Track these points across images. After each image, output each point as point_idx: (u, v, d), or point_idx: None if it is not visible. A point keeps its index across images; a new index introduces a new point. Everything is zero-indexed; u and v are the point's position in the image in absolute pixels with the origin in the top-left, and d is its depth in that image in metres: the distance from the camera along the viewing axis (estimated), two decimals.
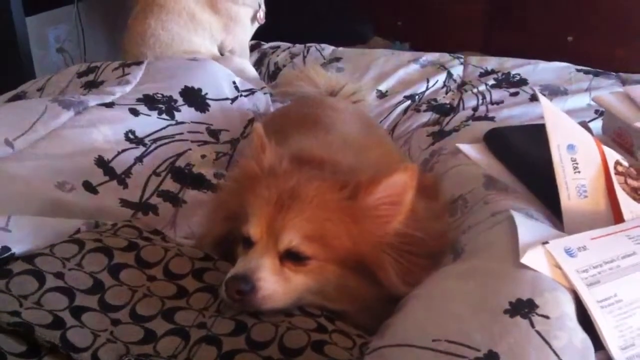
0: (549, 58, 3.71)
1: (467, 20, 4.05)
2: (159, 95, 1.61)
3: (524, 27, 3.93)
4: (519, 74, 1.93)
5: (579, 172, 1.12)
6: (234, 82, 1.81)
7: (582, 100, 1.76)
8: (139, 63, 1.72)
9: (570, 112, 1.67)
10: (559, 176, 1.10)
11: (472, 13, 4.01)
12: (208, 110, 1.68)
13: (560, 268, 0.90)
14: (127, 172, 1.41)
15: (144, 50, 1.91)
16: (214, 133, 1.64)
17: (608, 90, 1.80)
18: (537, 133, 1.22)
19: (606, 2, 3.78)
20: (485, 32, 4.00)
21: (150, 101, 1.58)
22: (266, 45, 2.35)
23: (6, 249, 0.99)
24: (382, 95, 1.92)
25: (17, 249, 1.01)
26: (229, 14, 2.09)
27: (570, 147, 1.14)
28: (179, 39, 1.94)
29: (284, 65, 2.21)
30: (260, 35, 2.36)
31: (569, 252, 0.93)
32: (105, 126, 1.45)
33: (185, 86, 1.67)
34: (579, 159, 1.13)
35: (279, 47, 2.34)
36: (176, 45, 1.93)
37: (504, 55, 3.79)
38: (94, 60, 3.27)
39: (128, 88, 1.60)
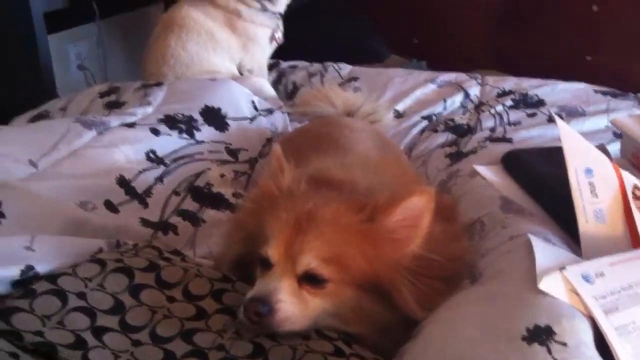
0: (567, 77, 3.70)
1: (484, 39, 4.05)
2: (180, 115, 1.64)
3: (541, 46, 3.92)
4: (536, 95, 1.94)
5: (596, 196, 1.12)
6: (253, 102, 1.84)
7: (600, 122, 1.76)
8: (159, 84, 1.75)
9: (588, 134, 1.68)
10: (577, 200, 1.10)
11: (488, 31, 4.02)
12: (227, 130, 1.70)
13: (577, 294, 0.90)
14: (148, 191, 1.43)
15: (165, 70, 1.94)
16: (233, 152, 1.66)
17: (626, 112, 1.80)
18: (554, 155, 1.23)
19: (625, 21, 3.77)
20: (501, 50, 4.01)
21: (171, 121, 1.61)
22: (284, 65, 2.38)
23: (30, 267, 1.01)
24: (399, 115, 1.93)
25: (40, 268, 1.03)
26: (247, 34, 2.12)
27: (588, 171, 1.15)
28: (199, 59, 1.98)
29: (302, 84, 2.23)
30: (279, 54, 2.39)
31: (586, 278, 0.93)
32: (126, 146, 1.47)
33: (205, 106, 1.70)
34: (596, 183, 1.13)
35: (297, 66, 2.36)
36: (196, 65, 1.97)
37: (521, 74, 3.81)
38: (114, 77, 3.34)
39: (149, 109, 1.63)
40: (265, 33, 2.21)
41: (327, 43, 3.57)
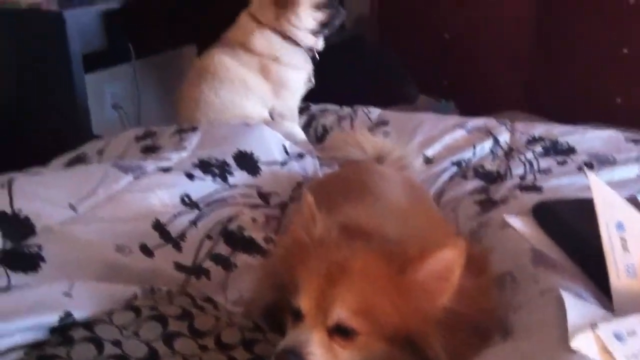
0: (597, 119, 3.69)
1: (513, 80, 4.08)
2: (214, 159, 1.67)
3: (572, 87, 3.93)
4: (567, 142, 1.94)
5: (628, 251, 1.12)
6: (284, 146, 1.87)
7: (631, 171, 1.76)
8: (194, 128, 1.79)
9: (618, 183, 1.68)
10: (608, 255, 1.10)
11: (517, 72, 4.04)
12: (259, 174, 1.73)
13: (609, 353, 0.90)
14: (182, 235, 1.46)
15: (198, 115, 1.99)
16: (264, 196, 1.69)
17: None
18: (586, 207, 1.23)
19: None
20: (531, 92, 4.02)
21: (205, 165, 1.65)
22: (315, 108, 2.41)
23: (68, 314, 1.04)
24: (428, 160, 1.95)
25: (77, 314, 1.06)
26: (280, 80, 2.17)
27: (619, 226, 1.15)
28: (231, 105, 2.02)
29: (332, 128, 2.26)
30: (309, 96, 2.43)
31: (618, 337, 0.93)
32: (162, 190, 1.51)
33: (238, 150, 1.74)
34: (627, 238, 1.13)
35: (327, 109, 2.40)
36: (229, 111, 2.01)
37: (550, 115, 3.80)
38: (147, 116, 3.41)
39: (184, 154, 1.67)
40: (300, 77, 2.26)
41: (358, 83, 3.62)
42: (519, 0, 3.97)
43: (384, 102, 3.91)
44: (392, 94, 3.72)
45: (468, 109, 3.99)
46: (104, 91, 3.43)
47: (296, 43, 2.25)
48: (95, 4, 2.81)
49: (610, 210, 1.14)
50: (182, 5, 3.14)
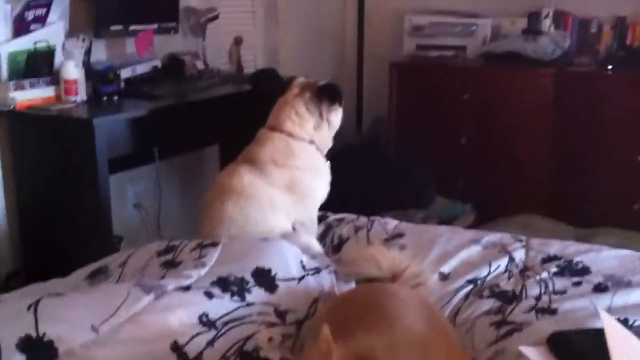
0: (614, 224, 3.70)
1: (530, 183, 4.13)
2: (232, 277, 1.71)
3: (588, 193, 3.97)
4: (582, 262, 1.95)
5: None
6: (302, 261, 1.90)
7: None
8: (215, 244, 1.84)
9: (634, 307, 1.69)
10: None
11: (534, 176, 4.10)
12: (277, 291, 1.76)
13: None
14: (199, 357, 1.47)
15: (219, 231, 2.03)
16: (281, 314, 1.71)
17: None
18: (601, 339, 1.25)
19: None
20: (548, 195, 4.06)
21: (223, 283, 1.68)
22: (332, 218, 2.46)
23: None
24: (444, 277, 1.97)
25: None
26: (308, 190, 2.21)
27: None
28: (254, 222, 2.06)
29: (348, 238, 2.30)
30: (327, 200, 2.45)
31: None
32: (181, 310, 1.54)
33: (256, 267, 1.77)
34: None
35: (344, 219, 2.44)
36: (251, 227, 2.05)
37: (566, 219, 3.81)
38: (168, 216, 3.48)
39: (204, 271, 1.71)
40: (325, 184, 2.30)
41: (376, 185, 3.69)
42: (538, 110, 4.05)
43: (402, 205, 3.98)
44: (410, 196, 3.78)
45: (485, 212, 4.03)
46: (127, 191, 3.52)
47: (321, 150, 2.31)
48: (124, 111, 2.94)
49: (623, 351, 1.15)
50: (205, 110, 3.26)
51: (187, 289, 1.62)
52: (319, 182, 2.26)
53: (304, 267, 1.89)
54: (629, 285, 1.83)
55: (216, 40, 3.90)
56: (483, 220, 3.94)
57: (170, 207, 3.62)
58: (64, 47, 2.89)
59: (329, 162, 2.33)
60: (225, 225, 2.05)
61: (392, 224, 2.36)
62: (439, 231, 2.26)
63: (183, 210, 3.74)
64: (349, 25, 5.02)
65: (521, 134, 4.07)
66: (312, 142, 2.23)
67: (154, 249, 1.87)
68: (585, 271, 1.91)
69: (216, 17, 3.76)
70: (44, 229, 2.95)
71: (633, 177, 3.83)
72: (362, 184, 3.73)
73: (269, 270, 1.79)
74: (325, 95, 2.22)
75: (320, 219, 2.45)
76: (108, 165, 2.80)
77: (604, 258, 1.98)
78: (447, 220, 4.06)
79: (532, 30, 4.22)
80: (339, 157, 3.30)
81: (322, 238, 2.35)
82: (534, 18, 4.28)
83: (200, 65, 3.65)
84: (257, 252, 1.83)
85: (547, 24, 4.24)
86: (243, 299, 1.68)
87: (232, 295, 1.66)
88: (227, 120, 3.36)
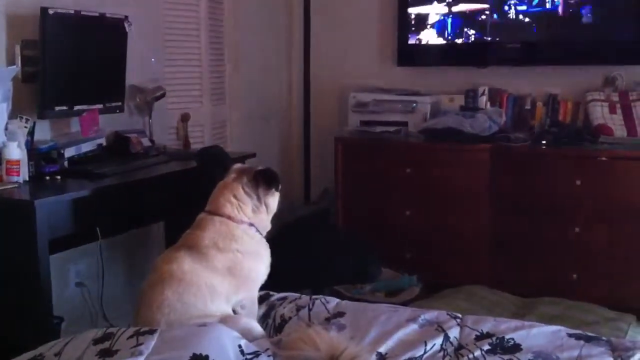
0: (554, 294, 3.80)
1: (471, 255, 4.24)
2: None
3: (530, 263, 4.09)
4: (512, 339, 2.01)
5: None
6: (240, 346, 1.90)
7: None
8: (152, 331, 1.83)
9: None
10: None
11: (475, 248, 4.21)
12: None
13: None
14: None
15: (158, 317, 2.02)
16: None
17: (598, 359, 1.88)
18: None
19: (607, 247, 3.97)
20: (490, 266, 4.16)
21: None
22: (274, 297, 2.48)
23: None
24: (381, 357, 2.00)
25: None
26: (249, 273, 2.23)
27: None
28: (194, 309, 2.05)
29: (290, 318, 2.31)
30: (271, 275, 2.45)
31: None
32: None
33: (193, 354, 1.76)
34: None
35: (286, 298, 2.46)
36: (190, 313, 2.03)
37: (509, 289, 3.90)
38: (110, 293, 3.44)
39: (140, 359, 1.70)
40: (265, 266, 2.33)
41: (320, 264, 3.72)
42: (476, 184, 4.19)
43: (348, 279, 4.01)
44: (355, 272, 3.82)
45: (431, 283, 4.10)
46: (68, 270, 3.47)
47: (260, 232, 2.35)
48: (66, 191, 2.93)
49: None
50: (150, 187, 3.27)
51: None
52: (259, 264, 2.28)
53: (242, 352, 1.89)
54: None
55: (163, 117, 3.96)
56: (429, 291, 4.01)
57: (113, 285, 3.58)
58: (6, 128, 2.90)
59: (267, 244, 2.36)
60: (164, 311, 2.04)
61: (333, 302, 2.39)
62: (379, 309, 2.30)
63: (126, 287, 3.70)
64: (296, 101, 5.18)
65: (461, 207, 4.20)
66: (251, 225, 2.26)
67: (90, 336, 1.85)
68: (515, 348, 1.97)
69: (163, 95, 3.83)
70: None
71: (569, 248, 3.98)
72: (310, 256, 3.77)
73: (206, 356, 1.79)
74: (261, 179, 2.28)
75: (263, 299, 2.47)
76: (49, 244, 2.77)
77: (534, 334, 2.05)
78: (394, 292, 4.13)
79: (469, 106, 4.43)
80: (288, 228, 3.33)
81: (264, 318, 2.36)
82: (471, 95, 4.49)
83: (146, 142, 3.69)
84: (194, 339, 1.83)
85: (483, 101, 4.46)
86: None
87: None
88: (172, 196, 3.38)
